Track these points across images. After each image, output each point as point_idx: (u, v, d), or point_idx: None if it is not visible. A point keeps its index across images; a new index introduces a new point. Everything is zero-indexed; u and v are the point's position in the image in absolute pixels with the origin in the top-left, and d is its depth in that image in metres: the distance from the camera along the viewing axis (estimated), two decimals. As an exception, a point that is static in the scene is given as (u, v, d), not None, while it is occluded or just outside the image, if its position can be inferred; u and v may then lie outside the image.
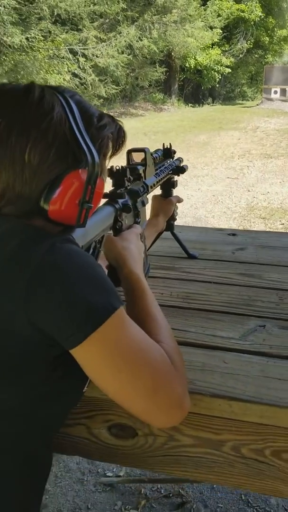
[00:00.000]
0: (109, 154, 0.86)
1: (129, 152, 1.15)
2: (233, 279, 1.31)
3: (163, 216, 1.41)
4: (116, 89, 14.87)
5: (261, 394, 0.82)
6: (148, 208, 1.32)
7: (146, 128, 12.65)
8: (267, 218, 5.09)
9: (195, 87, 22.35)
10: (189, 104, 20.33)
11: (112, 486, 1.87)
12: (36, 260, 0.66)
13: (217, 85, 22.26)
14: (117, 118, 0.89)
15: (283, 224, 4.90)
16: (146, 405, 0.71)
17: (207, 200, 5.88)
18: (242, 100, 24.22)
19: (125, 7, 14.45)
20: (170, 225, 1.46)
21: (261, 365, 0.91)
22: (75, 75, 13.56)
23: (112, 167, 1.00)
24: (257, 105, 18.34)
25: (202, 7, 18.31)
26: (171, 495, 1.81)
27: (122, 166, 1.02)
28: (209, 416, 0.85)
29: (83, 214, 0.75)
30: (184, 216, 5.25)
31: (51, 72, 13.00)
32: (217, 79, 20.94)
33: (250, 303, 1.17)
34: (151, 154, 1.26)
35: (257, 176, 7.11)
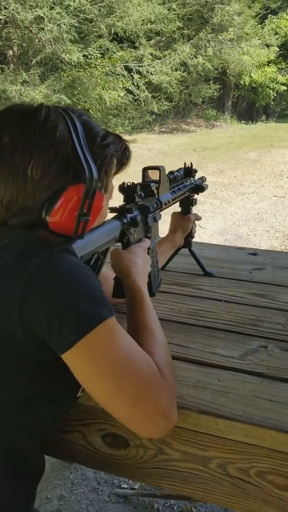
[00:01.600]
0: (113, 171, 0.91)
1: (145, 170, 1.20)
2: (244, 298, 1.31)
3: (181, 232, 1.44)
4: (169, 105, 15.03)
5: (248, 414, 0.83)
6: (165, 224, 1.36)
7: (196, 144, 12.69)
8: (311, 239, 4.97)
9: (249, 104, 22.22)
10: (242, 121, 20.20)
11: (126, 498, 1.88)
12: (33, 268, 0.72)
13: (272, 103, 21.99)
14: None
15: None
16: (131, 413, 0.74)
17: (250, 218, 5.83)
18: (298, 118, 23.79)
19: (182, 25, 14.66)
20: (188, 242, 1.49)
21: (254, 385, 0.91)
22: (129, 91, 13.85)
23: (123, 183, 1.05)
24: (312, 123, 17.96)
25: (259, 25, 18.27)
26: (183, 512, 1.81)
27: (132, 183, 1.07)
28: (196, 432, 0.87)
29: (80, 226, 0.80)
30: (226, 233, 5.22)
31: (107, 88, 13.34)
32: (272, 97, 20.70)
33: (257, 323, 1.17)
34: (171, 173, 1.31)
35: (305, 196, 6.96)
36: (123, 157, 0.93)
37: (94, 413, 0.95)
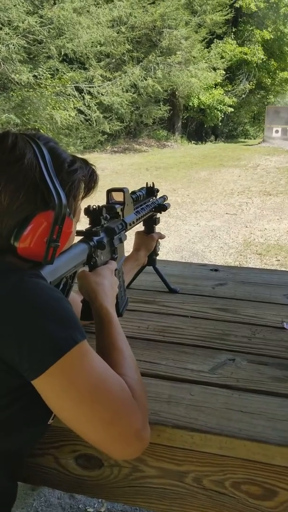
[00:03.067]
0: (81, 195, 0.92)
1: (109, 192, 1.22)
2: (209, 313, 1.34)
3: (145, 251, 1.46)
4: (120, 126, 15.24)
5: (221, 426, 0.85)
6: (129, 244, 1.38)
7: (148, 163, 12.89)
8: (263, 254, 5.13)
9: (198, 125, 22.87)
10: (192, 141, 20.74)
11: (92, 523, 1.85)
12: (3, 293, 0.71)
13: (220, 124, 22.76)
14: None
15: (279, 260, 4.94)
16: (103, 436, 0.74)
17: (205, 235, 5.95)
18: (245, 139, 24.70)
19: (131, 48, 14.98)
20: (152, 260, 1.51)
21: (226, 397, 0.94)
22: (80, 111, 13.94)
23: (88, 206, 1.06)
24: (259, 143, 18.70)
25: (206, 49, 18.95)
26: (151, 532, 1.79)
27: (98, 205, 1.08)
28: (172, 447, 0.87)
29: (50, 252, 0.80)
30: (181, 251, 5.31)
31: (57, 108, 13.37)
32: (220, 118, 21.43)
33: (224, 337, 1.20)
34: (133, 193, 1.33)
35: (255, 213, 7.20)
36: (91, 181, 0.94)
37: (66, 434, 0.94)
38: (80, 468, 0.95)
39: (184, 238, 5.77)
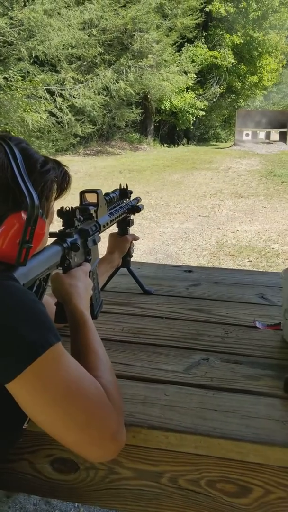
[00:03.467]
0: (54, 196, 0.91)
1: (82, 193, 1.21)
2: (183, 314, 1.35)
3: (119, 253, 1.46)
4: (93, 129, 15.21)
5: (196, 425, 0.86)
6: (103, 246, 1.37)
7: (121, 166, 12.90)
8: (236, 256, 5.20)
9: (170, 128, 23.02)
10: (165, 144, 20.86)
11: (69, 528, 1.83)
12: None
13: (192, 127, 22.96)
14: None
15: (251, 261, 5.01)
16: (79, 439, 0.73)
17: (178, 237, 5.99)
18: (216, 142, 24.98)
19: (102, 51, 14.98)
20: (126, 262, 1.51)
21: (200, 397, 0.95)
22: (52, 114, 13.84)
23: (62, 207, 1.05)
24: (230, 146, 18.94)
25: (177, 53, 19.10)
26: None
27: (71, 207, 1.07)
28: (147, 448, 0.88)
29: (23, 253, 0.79)
30: (156, 253, 5.32)
31: (29, 110, 13.24)
32: (192, 121, 21.62)
33: (197, 337, 1.21)
34: (107, 195, 1.33)
35: (228, 215, 7.28)
36: (63, 182, 0.94)
37: (41, 438, 0.94)
38: (56, 472, 0.94)
39: (158, 241, 5.79)
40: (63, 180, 0.93)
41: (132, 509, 0.92)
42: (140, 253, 5.15)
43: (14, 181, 0.78)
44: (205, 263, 4.98)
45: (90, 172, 11.69)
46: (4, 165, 0.78)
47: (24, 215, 0.78)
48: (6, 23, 12.13)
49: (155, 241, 5.75)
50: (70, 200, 1.02)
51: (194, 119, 21.73)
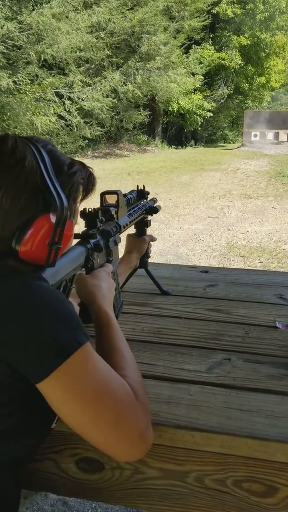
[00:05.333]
0: (80, 198, 0.92)
1: (103, 194, 1.22)
2: (202, 314, 1.35)
3: (136, 253, 1.47)
4: (101, 131, 15.26)
5: (222, 425, 0.86)
6: (122, 246, 1.38)
7: (130, 168, 12.92)
8: (246, 257, 5.19)
9: (178, 130, 23.03)
10: (173, 146, 20.87)
11: (86, 528, 1.83)
12: (8, 297, 0.71)
13: (200, 128, 22.95)
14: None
15: (262, 262, 4.99)
16: (108, 438, 0.74)
17: (188, 239, 5.98)
18: (224, 143, 24.95)
19: (110, 54, 15.03)
20: (144, 263, 1.52)
21: (224, 396, 0.95)
22: (61, 117, 13.91)
23: (84, 209, 1.06)
24: (238, 147, 18.92)
25: (185, 54, 19.12)
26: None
27: (94, 208, 1.08)
28: (173, 447, 0.88)
29: (52, 254, 0.80)
30: (166, 254, 5.33)
31: (38, 114, 13.32)
32: (199, 123, 21.63)
33: (218, 337, 1.21)
34: (125, 196, 1.33)
35: (237, 216, 7.27)
36: (89, 184, 0.94)
37: (66, 438, 0.94)
38: (81, 472, 0.94)
39: (168, 242, 5.79)
40: (89, 182, 0.93)
41: (158, 508, 0.92)
42: (151, 255, 5.15)
43: (44, 183, 0.79)
44: (216, 264, 4.97)
45: (99, 174, 11.55)
46: (33, 167, 0.79)
47: (53, 217, 0.79)
48: (15, 27, 12.21)
49: (165, 243, 5.75)
50: (87, 201, 1.02)
51: (202, 121, 21.74)
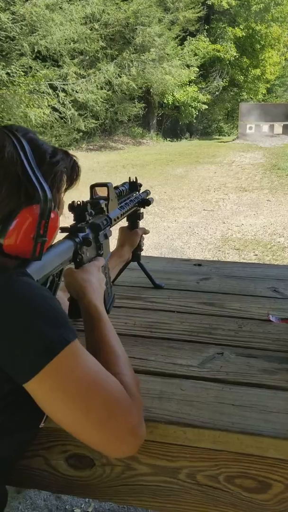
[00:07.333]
0: (64, 187, 0.89)
1: (93, 187, 1.19)
2: (195, 308, 1.34)
3: (129, 246, 1.44)
4: (96, 123, 15.16)
5: (214, 420, 0.84)
6: (114, 239, 1.36)
7: (125, 161, 12.86)
8: (241, 249, 5.18)
9: (173, 122, 22.94)
10: (167, 139, 20.79)
11: (80, 523, 1.83)
12: None
13: (195, 121, 22.88)
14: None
15: (257, 255, 4.99)
16: (100, 435, 0.72)
17: (183, 232, 5.97)
18: (219, 135, 24.88)
19: (105, 45, 14.91)
20: (136, 256, 1.50)
21: (216, 391, 0.93)
22: (55, 109, 13.80)
23: (73, 202, 1.04)
24: (233, 140, 18.87)
25: (179, 46, 19.01)
26: (140, 530, 1.78)
27: (83, 201, 1.05)
28: (165, 443, 0.86)
29: (38, 247, 0.77)
30: (161, 247, 5.31)
31: (31, 106, 13.20)
32: (194, 115, 21.55)
33: (211, 331, 1.20)
34: (116, 188, 1.31)
35: (232, 209, 7.26)
36: (73, 173, 0.91)
37: (56, 435, 0.92)
38: (71, 469, 0.93)
39: (162, 235, 5.77)
40: (73, 171, 0.90)
41: (149, 505, 0.91)
42: (145, 248, 5.09)
43: (25, 174, 0.76)
44: (211, 257, 4.96)
45: (93, 167, 11.65)
46: (14, 158, 0.76)
47: (35, 209, 0.77)
48: (8, 18, 12.08)
49: (159, 236, 5.74)
50: (75, 195, 1.00)
51: (197, 113, 21.66)
